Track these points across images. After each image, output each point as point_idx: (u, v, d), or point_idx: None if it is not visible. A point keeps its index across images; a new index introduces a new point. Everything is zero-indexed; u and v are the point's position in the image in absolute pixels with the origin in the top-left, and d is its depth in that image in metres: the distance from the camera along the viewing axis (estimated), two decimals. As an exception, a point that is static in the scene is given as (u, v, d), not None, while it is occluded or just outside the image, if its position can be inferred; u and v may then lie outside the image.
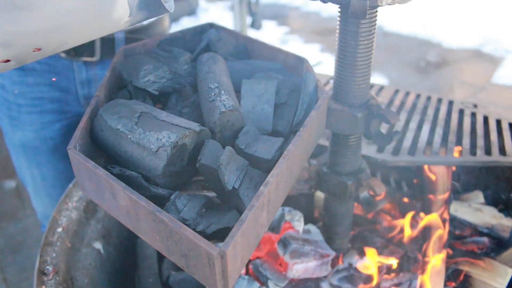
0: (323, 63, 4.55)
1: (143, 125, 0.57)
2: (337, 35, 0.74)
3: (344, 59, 0.74)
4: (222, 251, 0.42)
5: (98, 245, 0.94)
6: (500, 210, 1.05)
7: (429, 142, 0.98)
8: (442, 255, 0.88)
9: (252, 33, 4.78)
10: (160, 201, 0.53)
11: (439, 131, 1.03)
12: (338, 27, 0.73)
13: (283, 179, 0.54)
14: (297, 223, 0.83)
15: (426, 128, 1.04)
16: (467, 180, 1.11)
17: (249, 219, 0.46)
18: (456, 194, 1.22)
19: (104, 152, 0.63)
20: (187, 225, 0.50)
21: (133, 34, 1.08)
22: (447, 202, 1.00)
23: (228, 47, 0.80)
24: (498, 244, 1.01)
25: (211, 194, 0.57)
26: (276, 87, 0.70)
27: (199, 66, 0.72)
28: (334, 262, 0.91)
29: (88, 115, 0.62)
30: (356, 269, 0.88)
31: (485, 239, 1.01)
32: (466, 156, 0.92)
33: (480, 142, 1.00)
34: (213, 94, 0.63)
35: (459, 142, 0.99)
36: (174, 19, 5.79)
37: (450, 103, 1.20)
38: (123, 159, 0.59)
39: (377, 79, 4.11)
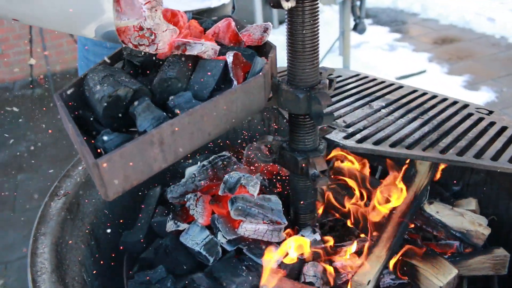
0: (427, 72, 4.37)
1: (102, 82, 0.76)
2: (286, 24, 0.85)
3: (290, 46, 0.85)
4: (96, 162, 0.59)
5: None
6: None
7: (406, 137, 1.01)
8: (385, 241, 0.93)
9: (355, 37, 4.79)
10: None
11: (425, 129, 1.05)
12: (286, 17, 0.84)
13: (184, 130, 0.69)
14: (252, 188, 0.95)
15: (414, 124, 1.07)
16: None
17: (131, 146, 0.62)
18: (450, 198, 1.21)
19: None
20: (105, 152, 0.68)
21: (197, 15, 1.29)
22: (418, 198, 1.02)
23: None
24: (471, 252, 1.01)
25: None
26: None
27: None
28: (291, 234, 1.01)
29: (84, 74, 0.84)
30: (307, 241, 0.97)
31: (456, 243, 1.01)
32: (432, 153, 0.94)
33: (463, 143, 1.00)
34: (166, 66, 0.80)
35: (439, 140, 1.01)
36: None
37: (465, 106, 1.19)
38: (90, 105, 0.79)
39: (481, 92, 3.84)
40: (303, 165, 0.92)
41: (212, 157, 1.08)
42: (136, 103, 0.72)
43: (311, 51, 0.84)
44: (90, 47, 1.41)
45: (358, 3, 4.22)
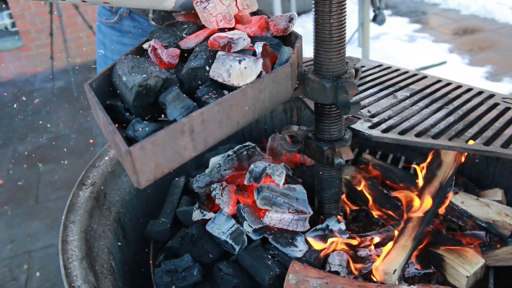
0: (447, 63, 4.30)
1: (131, 72, 0.77)
2: (312, 14, 0.85)
3: (317, 36, 0.85)
4: (129, 150, 0.60)
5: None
6: None
7: (432, 127, 1.01)
8: (411, 231, 0.92)
9: (375, 28, 4.73)
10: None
11: (450, 119, 1.04)
12: (313, 7, 0.84)
13: (214, 119, 0.70)
14: (277, 177, 0.96)
15: (439, 114, 1.06)
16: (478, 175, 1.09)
17: (162, 134, 0.63)
18: (475, 189, 1.20)
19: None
20: (136, 141, 0.70)
21: None
22: (443, 189, 1.01)
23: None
24: (498, 241, 1.00)
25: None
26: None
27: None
28: (316, 223, 1.02)
29: (112, 65, 0.85)
30: (331, 231, 0.98)
31: (483, 234, 1.00)
32: (458, 143, 0.93)
33: (489, 133, 0.99)
34: (193, 56, 0.81)
35: (465, 130, 1.00)
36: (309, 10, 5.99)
37: (490, 96, 1.18)
38: (120, 95, 0.80)
39: (503, 84, 3.77)
40: (329, 154, 0.92)
41: (237, 147, 1.09)
42: (165, 92, 0.73)
43: (338, 41, 0.84)
44: (107, 44, 1.43)
45: (377, -7, 4.16)
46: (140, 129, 0.71)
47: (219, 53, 0.78)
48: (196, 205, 1.01)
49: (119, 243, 1.06)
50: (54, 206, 3.03)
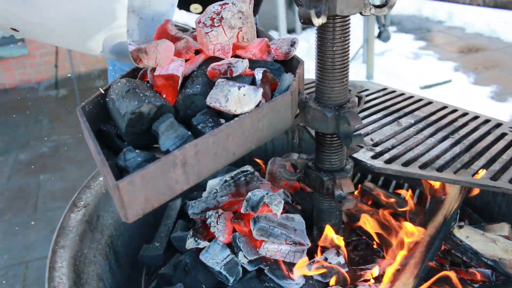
0: (452, 81, 4.27)
1: (125, 97, 0.75)
2: (315, 39, 0.82)
3: (319, 63, 0.82)
4: (116, 184, 0.57)
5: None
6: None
7: (437, 158, 0.97)
8: (412, 268, 0.89)
9: (379, 45, 4.72)
10: (122, 154, 0.70)
11: (456, 149, 1.01)
12: (316, 33, 0.81)
13: (208, 150, 0.66)
14: (275, 207, 0.92)
15: (445, 144, 1.03)
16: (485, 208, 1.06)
17: (153, 168, 0.60)
18: (481, 222, 1.16)
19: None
20: (127, 171, 0.66)
21: None
22: (447, 223, 0.98)
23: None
24: (504, 281, 0.95)
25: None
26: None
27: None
28: (314, 255, 0.98)
29: (107, 87, 0.83)
30: (330, 264, 0.94)
31: (489, 272, 0.96)
32: (464, 176, 0.90)
33: (496, 166, 0.95)
34: (190, 82, 0.78)
35: (471, 162, 0.96)
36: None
37: (498, 125, 1.14)
38: (113, 120, 0.77)
39: (509, 104, 3.73)
40: (329, 185, 0.89)
41: (235, 172, 1.06)
42: (159, 120, 0.70)
43: (341, 69, 0.81)
44: None
45: (383, 10, 4.15)
46: (132, 158, 0.68)
47: (219, 79, 0.76)
48: (190, 233, 0.98)
49: (110, 268, 1.02)
50: (53, 217, 3.00)
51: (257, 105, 0.73)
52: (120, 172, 0.69)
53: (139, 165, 0.67)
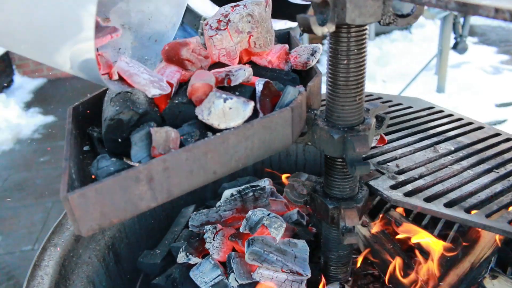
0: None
1: (113, 100, 0.70)
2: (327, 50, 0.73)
3: (330, 77, 0.72)
4: (66, 196, 0.53)
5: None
6: None
7: (470, 195, 0.83)
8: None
9: (456, 56, 4.39)
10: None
11: (497, 187, 0.86)
12: (328, 43, 0.72)
13: (180, 167, 0.60)
14: (275, 231, 0.84)
15: (484, 179, 0.88)
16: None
17: (110, 182, 0.55)
18: None
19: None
20: (96, 179, 0.62)
21: None
22: (474, 272, 0.83)
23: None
24: None
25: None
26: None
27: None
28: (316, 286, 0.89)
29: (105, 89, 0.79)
30: (331, 300, 0.84)
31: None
32: (498, 221, 0.76)
33: (543, 214, 0.79)
34: (184, 88, 0.72)
35: (511, 204, 0.81)
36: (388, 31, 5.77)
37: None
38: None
39: None
40: (335, 214, 0.79)
41: (243, 186, 0.99)
42: (137, 129, 0.65)
43: (355, 86, 0.71)
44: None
45: (461, 20, 3.83)
46: (105, 167, 0.64)
47: (214, 89, 0.69)
48: (183, 247, 0.92)
49: (107, 271, 1.00)
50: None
51: (247, 120, 0.66)
52: (92, 181, 0.65)
53: (110, 175, 0.63)
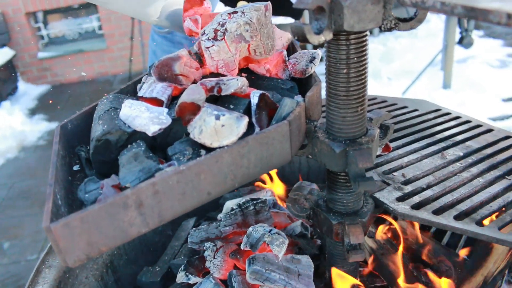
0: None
1: (101, 118, 0.67)
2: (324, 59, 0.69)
3: (329, 87, 0.69)
4: (48, 227, 0.49)
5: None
6: None
7: (481, 205, 0.79)
8: None
9: (461, 51, 4.32)
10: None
11: (510, 196, 0.82)
12: (325, 51, 0.68)
13: (172, 190, 0.57)
14: (277, 248, 0.80)
15: (496, 187, 0.84)
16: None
17: (96, 209, 0.51)
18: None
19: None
20: (85, 205, 0.59)
21: None
22: (490, 285, 0.79)
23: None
24: None
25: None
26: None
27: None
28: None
29: (94, 105, 0.76)
30: (338, 319, 0.80)
31: None
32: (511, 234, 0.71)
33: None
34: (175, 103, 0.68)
35: (526, 217, 0.77)
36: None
37: None
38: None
39: None
40: (339, 230, 0.75)
41: (244, 199, 0.95)
42: (125, 149, 0.61)
43: (356, 97, 0.67)
44: (159, 54, 1.40)
45: (466, 13, 3.76)
46: (93, 190, 0.60)
47: (206, 104, 0.65)
48: (183, 266, 0.89)
49: (106, 290, 0.97)
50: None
51: (242, 137, 0.62)
52: (80, 207, 0.62)
53: (98, 200, 0.59)
